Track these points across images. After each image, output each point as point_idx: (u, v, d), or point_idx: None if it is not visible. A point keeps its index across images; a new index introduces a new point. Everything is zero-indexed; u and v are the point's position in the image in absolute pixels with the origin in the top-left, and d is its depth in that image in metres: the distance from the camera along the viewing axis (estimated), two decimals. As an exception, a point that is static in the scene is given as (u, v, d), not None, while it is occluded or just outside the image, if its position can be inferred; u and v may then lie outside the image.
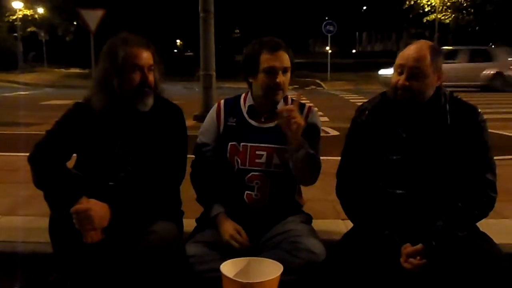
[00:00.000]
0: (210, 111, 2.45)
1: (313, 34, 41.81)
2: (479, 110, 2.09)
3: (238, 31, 31.43)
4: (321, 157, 2.32)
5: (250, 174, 2.29)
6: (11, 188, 3.82)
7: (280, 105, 2.32)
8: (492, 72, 16.20)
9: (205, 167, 2.38)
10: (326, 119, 8.64)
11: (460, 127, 2.04)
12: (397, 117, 2.10)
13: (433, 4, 24.35)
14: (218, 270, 1.88)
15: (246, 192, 2.30)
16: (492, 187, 2.04)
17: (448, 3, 24.41)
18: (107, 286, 2.16)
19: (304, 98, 10.67)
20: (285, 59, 2.25)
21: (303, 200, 2.50)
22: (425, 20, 25.49)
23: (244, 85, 2.37)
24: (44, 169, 2.13)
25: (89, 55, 11.65)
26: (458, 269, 1.92)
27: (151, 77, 2.22)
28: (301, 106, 2.36)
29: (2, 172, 4.48)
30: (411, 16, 27.15)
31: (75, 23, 26.93)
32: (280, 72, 2.23)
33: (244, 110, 2.37)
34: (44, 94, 16.86)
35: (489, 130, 2.10)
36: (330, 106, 10.52)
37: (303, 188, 2.46)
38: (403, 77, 2.02)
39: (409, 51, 2.03)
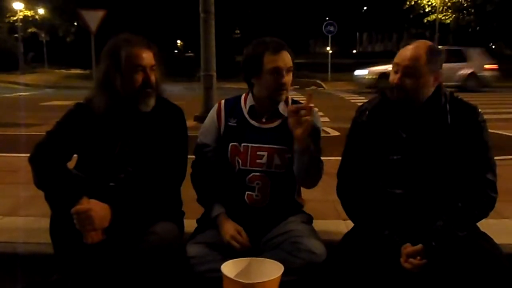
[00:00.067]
0: (211, 112, 2.45)
1: (314, 34, 41.73)
2: (479, 110, 2.09)
3: (238, 31, 31.42)
4: (322, 158, 2.32)
5: (251, 175, 2.29)
6: (12, 189, 3.82)
7: (281, 106, 2.32)
8: (466, 72, 16.42)
9: (206, 167, 2.39)
10: (326, 119, 8.64)
11: (461, 127, 2.04)
12: (396, 117, 2.10)
13: (433, 4, 24.34)
14: (219, 271, 1.88)
15: (246, 192, 2.30)
16: (493, 187, 2.04)
17: (449, 4, 24.42)
18: (107, 286, 2.16)
19: (304, 99, 10.68)
20: (288, 59, 2.25)
21: (304, 201, 2.50)
22: (425, 21, 25.49)
23: (245, 85, 2.37)
24: (44, 170, 2.13)
25: (90, 56, 11.65)
26: (459, 269, 1.92)
27: (153, 77, 2.22)
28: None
29: (3, 173, 4.48)
30: (411, 16, 27.15)
31: (75, 24, 26.92)
32: (284, 72, 2.23)
33: (245, 110, 2.37)
34: (45, 95, 16.87)
35: (490, 130, 2.10)
36: (330, 106, 10.51)
37: (303, 188, 2.46)
38: (397, 76, 2.03)
39: (406, 51, 2.03)
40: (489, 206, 2.05)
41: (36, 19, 30.52)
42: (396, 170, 2.08)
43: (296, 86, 16.13)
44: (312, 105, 2.12)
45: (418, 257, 1.93)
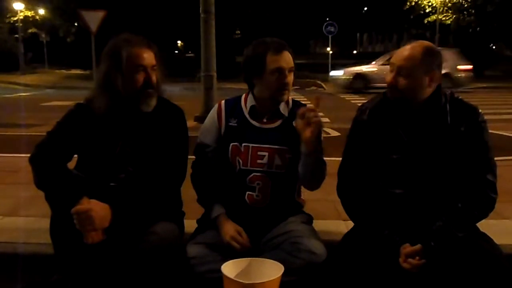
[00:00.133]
0: (211, 112, 2.45)
1: (314, 35, 41.71)
2: (480, 111, 2.09)
3: (239, 32, 31.43)
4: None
5: (252, 175, 2.30)
6: (12, 189, 3.83)
7: (282, 106, 2.32)
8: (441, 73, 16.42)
9: (206, 168, 2.39)
10: (327, 120, 8.63)
11: (461, 127, 2.04)
12: (397, 116, 2.10)
13: (434, 5, 24.32)
14: (219, 271, 1.89)
15: (247, 192, 2.31)
16: (492, 188, 2.04)
17: (449, 4, 24.37)
18: (107, 286, 2.17)
19: (304, 99, 10.68)
20: (290, 59, 2.25)
21: (304, 201, 2.50)
22: (426, 21, 25.45)
23: (245, 86, 2.37)
24: (45, 170, 2.13)
25: (90, 56, 11.64)
26: (458, 269, 1.92)
27: (154, 77, 2.22)
28: (302, 107, 2.37)
29: (3, 173, 4.48)
30: (412, 17, 27.10)
31: (76, 24, 26.88)
32: (287, 72, 2.23)
33: (246, 110, 2.37)
34: (45, 95, 16.88)
35: (490, 131, 2.10)
36: (330, 107, 10.50)
37: (303, 188, 2.46)
38: (391, 75, 2.04)
39: (403, 51, 2.04)
40: (489, 207, 2.05)
41: (37, 19, 30.53)
42: (396, 169, 2.08)
43: (297, 87, 16.13)
44: (313, 107, 2.11)
45: (417, 257, 1.93)
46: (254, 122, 2.35)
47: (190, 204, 2.45)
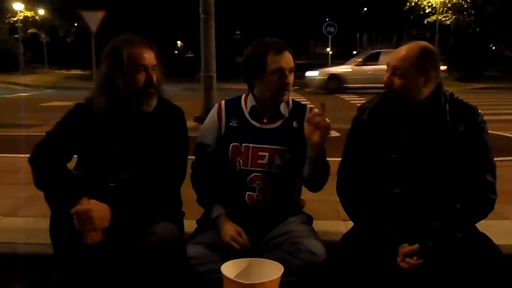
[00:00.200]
0: (211, 112, 2.45)
1: (314, 35, 41.75)
2: (479, 111, 2.09)
3: (238, 32, 31.44)
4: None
5: (252, 175, 2.30)
6: (12, 189, 3.83)
7: (282, 106, 2.32)
8: None
9: (206, 168, 2.39)
10: (327, 120, 8.62)
11: (460, 127, 2.04)
12: (396, 116, 2.11)
13: (433, 5, 24.33)
14: (219, 271, 1.89)
15: (247, 193, 2.31)
16: (492, 189, 2.04)
17: (449, 5, 24.38)
18: (107, 287, 2.16)
19: (304, 99, 10.68)
20: (290, 59, 2.25)
21: (304, 201, 2.50)
22: (425, 22, 25.46)
23: (245, 86, 2.37)
24: (44, 170, 2.13)
25: (90, 56, 11.63)
26: (458, 269, 1.92)
27: (154, 77, 2.22)
28: (303, 108, 2.37)
29: (3, 174, 4.48)
30: (411, 17, 27.12)
31: (76, 24, 26.88)
32: (287, 72, 2.23)
33: (246, 111, 2.37)
34: (45, 95, 16.89)
35: (490, 131, 2.10)
36: (330, 107, 10.49)
37: (303, 189, 2.46)
38: (387, 75, 2.05)
39: (399, 51, 2.05)
40: (488, 208, 2.05)
41: (36, 19, 30.51)
42: (395, 169, 2.08)
43: (296, 87, 16.11)
44: (321, 112, 2.13)
45: (415, 257, 1.93)
46: (254, 122, 2.35)
47: (190, 204, 2.45)
